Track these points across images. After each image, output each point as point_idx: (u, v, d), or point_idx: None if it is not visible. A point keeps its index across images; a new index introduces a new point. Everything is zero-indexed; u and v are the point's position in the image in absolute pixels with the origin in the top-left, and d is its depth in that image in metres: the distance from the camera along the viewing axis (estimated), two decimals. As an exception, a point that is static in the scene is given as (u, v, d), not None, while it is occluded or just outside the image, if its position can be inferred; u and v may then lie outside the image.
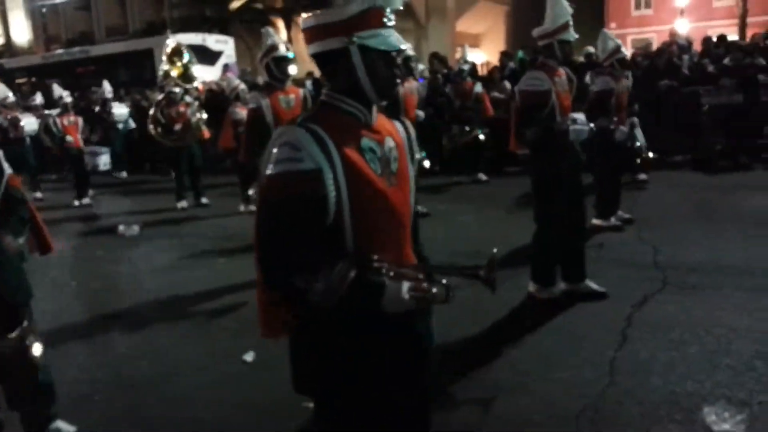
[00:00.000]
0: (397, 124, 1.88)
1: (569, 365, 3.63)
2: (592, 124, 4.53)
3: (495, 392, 3.41)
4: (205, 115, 9.41)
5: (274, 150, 1.65)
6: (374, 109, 1.77)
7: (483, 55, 24.52)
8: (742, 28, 20.64)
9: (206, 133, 9.57)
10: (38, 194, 11.30)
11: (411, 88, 7.82)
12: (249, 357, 3.95)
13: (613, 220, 6.34)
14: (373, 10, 1.65)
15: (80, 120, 10.83)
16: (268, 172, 1.65)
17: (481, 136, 9.51)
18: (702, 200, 7.44)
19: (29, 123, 10.86)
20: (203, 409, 3.48)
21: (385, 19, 1.67)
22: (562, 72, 4.50)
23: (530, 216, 4.67)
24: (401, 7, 1.70)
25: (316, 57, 1.73)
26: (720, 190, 7.94)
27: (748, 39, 12.65)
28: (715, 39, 11.11)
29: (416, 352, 1.85)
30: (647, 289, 4.64)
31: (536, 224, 4.59)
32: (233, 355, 3.99)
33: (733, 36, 16.57)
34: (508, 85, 10.29)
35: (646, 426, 2.99)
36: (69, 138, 10.35)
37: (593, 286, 4.62)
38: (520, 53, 12.54)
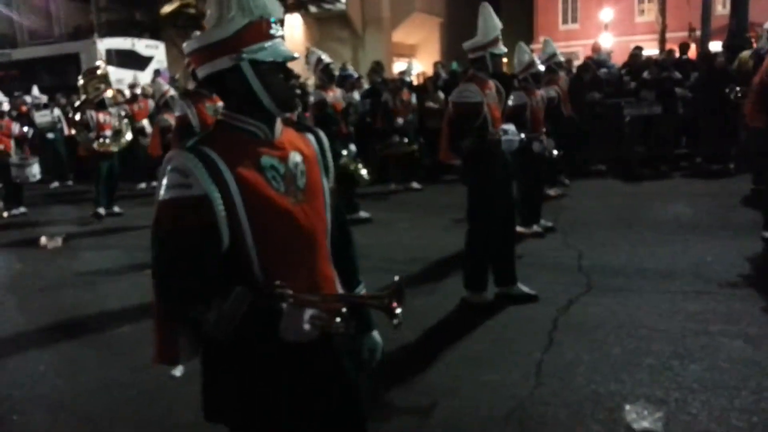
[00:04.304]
0: (309, 136, 1.82)
1: (498, 368, 3.71)
2: (522, 135, 4.66)
3: (427, 395, 3.44)
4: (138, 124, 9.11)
5: (165, 175, 1.60)
6: (277, 124, 1.71)
7: (418, 65, 24.86)
8: (662, 42, 21.75)
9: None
10: None
11: (336, 96, 7.78)
12: (178, 372, 3.80)
13: (535, 228, 6.50)
14: (256, 23, 1.60)
15: (16, 126, 10.10)
16: (160, 196, 1.60)
17: (415, 147, 9.72)
18: (624, 207, 7.73)
19: None
20: (125, 427, 3.36)
21: (271, 31, 1.63)
22: (492, 84, 4.61)
23: (464, 224, 4.75)
24: (282, 17, 1.66)
25: (208, 79, 1.67)
26: (641, 197, 8.28)
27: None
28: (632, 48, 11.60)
29: (338, 377, 1.78)
30: (572, 293, 4.78)
31: (468, 232, 4.68)
32: (160, 370, 3.86)
33: (653, 50, 17.42)
34: (441, 95, 10.46)
35: (571, 426, 3.07)
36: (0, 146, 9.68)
37: (524, 289, 4.74)
38: (455, 64, 12.76)
